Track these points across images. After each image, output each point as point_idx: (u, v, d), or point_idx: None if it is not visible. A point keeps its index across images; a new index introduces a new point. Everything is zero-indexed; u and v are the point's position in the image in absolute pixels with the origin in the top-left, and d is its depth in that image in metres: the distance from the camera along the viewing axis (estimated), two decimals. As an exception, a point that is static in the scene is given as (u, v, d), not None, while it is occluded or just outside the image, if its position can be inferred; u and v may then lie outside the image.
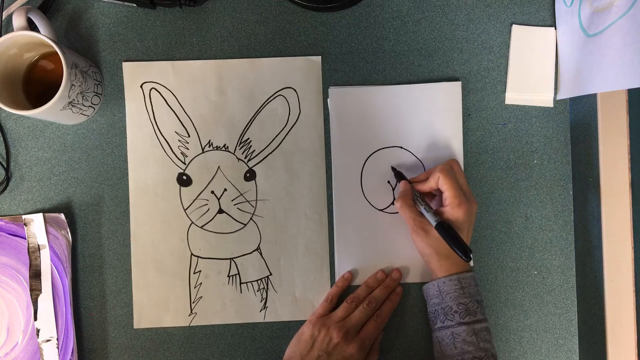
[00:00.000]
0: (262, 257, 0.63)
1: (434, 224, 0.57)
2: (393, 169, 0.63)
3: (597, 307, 0.59)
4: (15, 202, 0.63)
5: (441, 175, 0.57)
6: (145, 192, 0.63)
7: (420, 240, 0.58)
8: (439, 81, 0.64)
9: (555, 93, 0.64)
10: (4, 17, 0.61)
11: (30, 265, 0.60)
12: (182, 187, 0.63)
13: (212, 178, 0.63)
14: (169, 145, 0.63)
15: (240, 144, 0.63)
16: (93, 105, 0.61)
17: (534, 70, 0.64)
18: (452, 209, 0.57)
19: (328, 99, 0.64)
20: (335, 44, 0.64)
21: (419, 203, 0.59)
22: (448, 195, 0.57)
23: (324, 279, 0.63)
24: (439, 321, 0.58)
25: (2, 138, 0.63)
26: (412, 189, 0.60)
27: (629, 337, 0.57)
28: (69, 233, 0.61)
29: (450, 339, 0.56)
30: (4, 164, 0.63)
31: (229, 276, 0.63)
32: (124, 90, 0.63)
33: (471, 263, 0.63)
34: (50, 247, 0.61)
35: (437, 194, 0.61)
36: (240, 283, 0.63)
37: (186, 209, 0.63)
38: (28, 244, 0.61)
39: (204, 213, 0.63)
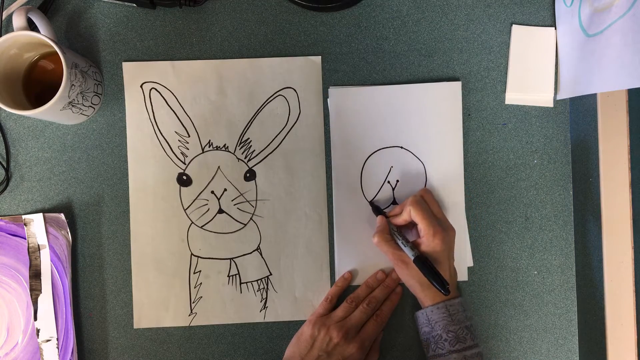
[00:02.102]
0: (262, 257, 0.63)
1: (412, 257, 0.57)
2: (371, 203, 0.63)
3: (597, 307, 0.59)
4: (15, 202, 0.63)
5: (412, 208, 0.57)
6: (145, 192, 0.63)
7: (402, 272, 0.59)
8: (439, 81, 0.64)
9: (555, 93, 0.64)
10: (4, 17, 0.61)
11: (30, 265, 0.60)
12: (182, 187, 0.63)
13: (212, 178, 0.63)
14: (169, 145, 0.63)
15: (240, 144, 0.63)
16: (93, 105, 0.61)
17: (534, 70, 0.64)
18: (428, 240, 0.57)
19: (328, 99, 0.64)
20: (335, 44, 0.64)
21: (396, 237, 0.59)
22: (422, 226, 0.57)
23: (324, 279, 0.63)
24: (430, 350, 0.58)
25: (2, 138, 0.63)
26: (388, 223, 0.60)
27: (629, 337, 0.57)
28: (69, 233, 0.61)
29: None
30: (4, 164, 0.63)
31: (229, 276, 0.63)
32: (124, 90, 0.63)
33: (457, 292, 0.62)
34: (50, 247, 0.61)
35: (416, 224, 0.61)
36: (240, 283, 0.63)
37: (186, 209, 0.63)
38: (28, 244, 0.61)
39: (204, 213, 0.63)
